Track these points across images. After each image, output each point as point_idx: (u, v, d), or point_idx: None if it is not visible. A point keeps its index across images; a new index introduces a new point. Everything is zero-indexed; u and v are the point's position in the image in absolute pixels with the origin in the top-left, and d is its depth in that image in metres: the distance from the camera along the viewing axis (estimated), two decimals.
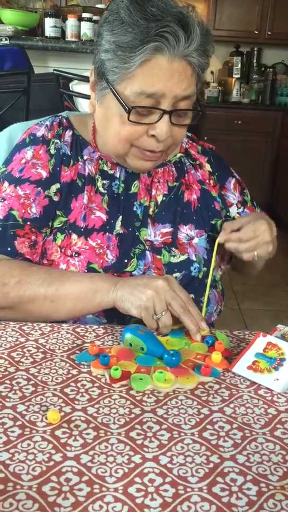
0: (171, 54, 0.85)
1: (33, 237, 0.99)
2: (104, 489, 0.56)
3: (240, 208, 1.14)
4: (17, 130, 1.21)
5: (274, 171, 4.90)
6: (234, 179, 1.16)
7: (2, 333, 0.88)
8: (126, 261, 1.00)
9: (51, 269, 0.97)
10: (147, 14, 0.83)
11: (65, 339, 0.87)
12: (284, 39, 4.95)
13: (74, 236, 0.99)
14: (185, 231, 1.05)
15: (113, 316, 0.96)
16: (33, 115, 2.34)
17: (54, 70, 2.52)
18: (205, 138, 4.49)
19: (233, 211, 1.14)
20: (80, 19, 3.37)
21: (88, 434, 0.64)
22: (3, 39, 3.11)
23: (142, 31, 0.83)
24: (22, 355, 0.81)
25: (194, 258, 1.04)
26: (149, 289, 0.86)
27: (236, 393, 0.75)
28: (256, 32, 4.96)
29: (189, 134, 1.16)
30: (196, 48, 0.87)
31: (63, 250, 0.99)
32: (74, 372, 0.78)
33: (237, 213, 1.14)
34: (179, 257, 1.03)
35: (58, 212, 1.01)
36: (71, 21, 3.36)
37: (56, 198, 1.01)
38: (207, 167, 1.12)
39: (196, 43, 0.86)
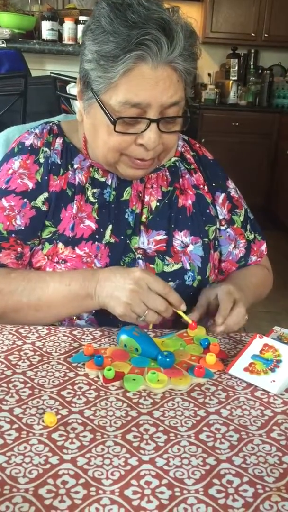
0: (154, 62, 0.83)
1: (19, 249, 0.99)
2: (100, 491, 0.56)
3: (223, 225, 1.10)
4: (14, 133, 1.20)
5: (271, 173, 4.90)
6: (223, 194, 1.10)
7: None
8: None
9: (28, 273, 0.97)
10: (128, 22, 0.81)
11: (62, 341, 0.87)
12: (281, 41, 4.95)
13: (60, 245, 0.98)
14: (180, 237, 1.03)
15: (106, 324, 0.96)
16: (30, 118, 2.34)
17: (51, 73, 2.52)
18: (203, 140, 4.49)
19: (217, 224, 1.10)
20: (77, 22, 3.38)
21: (84, 436, 0.64)
22: (0, 42, 3.12)
23: (124, 39, 0.81)
24: (19, 358, 0.81)
25: (188, 267, 1.02)
26: (123, 299, 0.86)
27: (233, 395, 0.75)
28: (253, 34, 4.97)
29: (186, 138, 1.14)
30: (180, 53, 0.84)
31: (49, 258, 0.99)
32: (71, 374, 0.78)
33: (217, 228, 1.09)
34: (173, 266, 1.01)
35: (47, 223, 0.99)
36: (68, 24, 3.37)
37: (44, 208, 0.99)
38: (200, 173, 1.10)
39: (180, 48, 0.84)
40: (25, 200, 0.98)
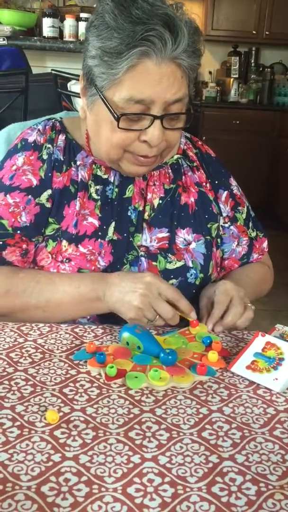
0: (158, 58, 0.83)
1: (24, 246, 0.98)
2: (103, 489, 0.56)
3: (227, 223, 1.10)
4: (15, 130, 1.20)
5: (272, 171, 4.90)
6: (226, 191, 1.11)
7: (0, 333, 0.88)
8: (118, 266, 0.99)
9: (37, 274, 0.97)
10: (132, 17, 0.81)
11: (64, 339, 0.87)
12: (282, 38, 4.95)
13: (64, 242, 0.98)
14: (182, 235, 1.03)
15: (108, 322, 0.96)
16: (31, 115, 2.34)
17: (52, 70, 2.51)
18: (203, 138, 4.49)
19: (221, 221, 1.10)
20: (78, 19, 3.37)
21: (87, 434, 0.64)
22: (1, 39, 3.11)
23: (128, 36, 0.81)
24: (21, 356, 0.81)
25: (190, 264, 1.02)
26: (134, 303, 0.86)
27: (235, 393, 0.75)
28: (254, 32, 4.96)
29: (188, 135, 1.14)
30: (184, 49, 0.84)
31: (53, 256, 0.98)
32: (73, 372, 0.78)
33: (221, 226, 1.09)
34: (176, 263, 1.01)
35: (50, 220, 0.99)
36: (69, 21, 3.36)
37: (48, 205, 0.99)
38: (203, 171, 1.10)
39: (184, 44, 0.84)
40: (29, 196, 0.98)
